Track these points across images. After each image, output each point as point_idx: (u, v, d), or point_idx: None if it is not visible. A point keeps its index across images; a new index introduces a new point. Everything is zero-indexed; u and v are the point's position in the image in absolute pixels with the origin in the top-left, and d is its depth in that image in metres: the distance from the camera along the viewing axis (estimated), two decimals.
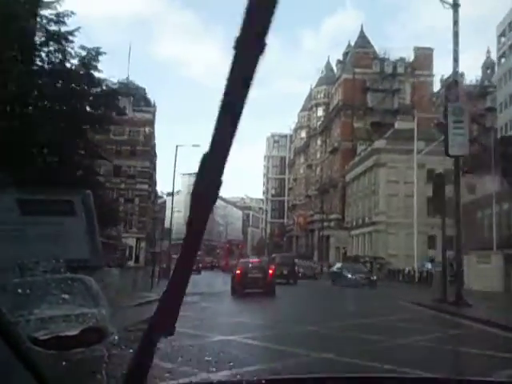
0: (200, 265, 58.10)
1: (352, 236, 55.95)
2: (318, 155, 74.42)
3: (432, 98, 63.11)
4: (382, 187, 48.30)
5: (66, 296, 1.57)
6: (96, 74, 17.37)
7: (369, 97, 62.97)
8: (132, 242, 59.24)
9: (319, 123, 74.58)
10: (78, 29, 15.55)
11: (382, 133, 53.33)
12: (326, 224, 57.79)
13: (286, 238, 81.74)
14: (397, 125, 51.80)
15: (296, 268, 34.15)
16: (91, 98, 17.23)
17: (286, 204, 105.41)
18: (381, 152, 48.51)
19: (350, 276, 27.65)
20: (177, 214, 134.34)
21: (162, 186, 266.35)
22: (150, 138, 61.41)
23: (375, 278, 29.11)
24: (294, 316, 11.60)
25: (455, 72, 11.89)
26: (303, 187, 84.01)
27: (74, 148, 17.13)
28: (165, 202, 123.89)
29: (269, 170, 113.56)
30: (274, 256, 34.68)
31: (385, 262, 42.91)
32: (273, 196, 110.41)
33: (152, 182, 66.38)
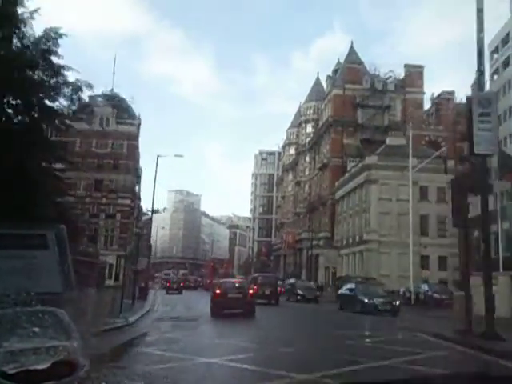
0: (181, 284, 55.46)
1: (342, 255, 53.75)
2: (307, 172, 72.59)
3: (422, 116, 61.86)
4: (373, 204, 46.37)
5: (37, 329, 1.49)
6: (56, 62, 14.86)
7: (359, 113, 61.53)
8: (112, 259, 56.26)
9: (308, 140, 72.94)
10: (37, 10, 13.31)
11: (373, 150, 51.57)
12: (315, 243, 55.53)
13: (273, 257, 79.25)
14: (388, 141, 50.22)
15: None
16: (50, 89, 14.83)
17: (273, 222, 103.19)
18: (372, 168, 46.70)
19: (366, 300, 23.16)
20: (162, 231, 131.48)
21: (148, 202, 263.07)
22: (133, 151, 59.04)
23: (398, 303, 23.86)
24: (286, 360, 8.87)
25: (480, 61, 9.89)
26: (291, 205, 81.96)
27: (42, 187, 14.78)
28: (150, 218, 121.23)
29: (256, 187, 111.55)
30: (256, 276, 33.40)
31: (377, 283, 40.62)
32: (260, 214, 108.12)
33: (135, 196, 63.77)
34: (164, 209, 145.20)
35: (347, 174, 54.52)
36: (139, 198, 77.59)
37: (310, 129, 73.90)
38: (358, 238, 48.64)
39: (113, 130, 58.61)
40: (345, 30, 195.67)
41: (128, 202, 58.41)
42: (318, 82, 75.13)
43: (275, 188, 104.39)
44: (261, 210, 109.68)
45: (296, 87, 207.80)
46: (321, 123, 67.75)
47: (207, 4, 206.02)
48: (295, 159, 79.44)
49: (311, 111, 73.79)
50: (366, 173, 47.26)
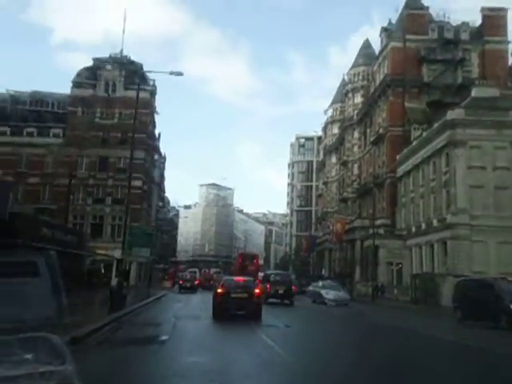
0: (196, 282, 43.91)
1: (409, 247, 40.55)
2: (356, 150, 59.48)
3: (507, 70, 47.84)
4: (460, 175, 33.06)
5: (29, 355, 1.48)
6: None
7: (424, 70, 48.11)
8: (120, 253, 44.86)
9: (356, 112, 59.83)
10: None
11: (443, 114, 38.25)
12: (371, 232, 42.63)
13: (315, 253, 66.44)
14: (475, 92, 36.70)
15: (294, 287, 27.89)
16: None
17: (313, 215, 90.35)
18: (458, 125, 33.43)
19: None
20: (194, 228, 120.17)
21: (179, 197, 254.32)
22: (146, 122, 47.61)
23: None
24: None
25: None
26: (336, 191, 69.00)
27: None
28: (177, 212, 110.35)
29: (294, 177, 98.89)
30: (269, 273, 30.34)
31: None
32: (298, 206, 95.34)
33: (149, 179, 52.35)
34: (195, 203, 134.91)
35: (414, 142, 41.29)
36: (159, 185, 66.40)
37: (358, 99, 60.76)
38: (435, 222, 35.40)
39: (120, 97, 47.42)
40: (384, 21, 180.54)
41: (139, 183, 46.93)
42: (367, 45, 61.93)
43: (314, 176, 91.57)
44: (299, 202, 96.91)
45: (333, 84, 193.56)
46: (373, 88, 54.60)
47: (243, 2, 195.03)
48: (340, 138, 66.45)
49: (359, 77, 60.70)
50: (448, 133, 33.99)
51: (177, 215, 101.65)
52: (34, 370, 1.51)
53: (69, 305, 14.37)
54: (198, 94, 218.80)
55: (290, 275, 34.24)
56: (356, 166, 59.03)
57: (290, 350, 7.98)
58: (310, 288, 36.17)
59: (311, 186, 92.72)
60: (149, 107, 48.06)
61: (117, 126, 46.64)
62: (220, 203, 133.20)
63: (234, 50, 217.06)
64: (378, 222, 45.04)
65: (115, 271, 45.67)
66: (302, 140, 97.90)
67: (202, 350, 8.14)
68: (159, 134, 64.60)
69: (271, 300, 24.39)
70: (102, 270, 48.05)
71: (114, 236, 45.24)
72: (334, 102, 73.63)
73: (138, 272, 48.84)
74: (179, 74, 20.56)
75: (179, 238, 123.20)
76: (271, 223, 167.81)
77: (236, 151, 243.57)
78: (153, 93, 50.16)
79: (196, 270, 66.30)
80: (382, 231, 42.80)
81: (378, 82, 52.04)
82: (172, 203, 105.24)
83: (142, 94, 47.52)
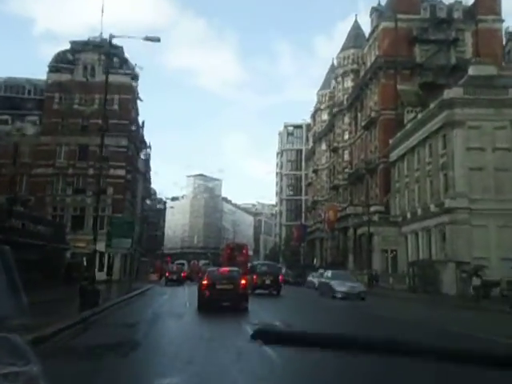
0: (182, 274, 41.95)
1: (405, 234, 38.98)
2: (346, 136, 57.70)
3: (501, 50, 46.31)
4: (458, 157, 31.42)
5: None
6: None
7: (417, 50, 46.35)
8: (103, 245, 42.71)
9: (346, 96, 57.96)
10: None
11: (436, 96, 36.54)
12: (366, 219, 40.96)
13: (306, 243, 64.78)
14: (472, 70, 35.00)
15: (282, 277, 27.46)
16: None
17: (303, 204, 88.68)
18: (456, 105, 31.70)
19: None
20: (182, 220, 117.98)
21: (166, 189, 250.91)
22: (127, 108, 45.22)
23: None
24: None
25: None
26: (326, 179, 67.30)
27: None
28: (164, 204, 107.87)
29: (283, 166, 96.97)
30: (255, 264, 29.61)
31: (477, 267, 25.86)
32: (288, 196, 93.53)
33: (133, 167, 50.04)
34: (183, 195, 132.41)
35: (409, 125, 39.57)
36: (144, 175, 64.09)
37: (348, 83, 58.83)
38: (433, 207, 33.78)
39: (100, 82, 44.85)
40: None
41: (122, 172, 44.71)
42: (356, 26, 59.96)
43: (304, 165, 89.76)
44: (288, 191, 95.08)
45: (320, 73, 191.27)
46: (363, 72, 52.75)
47: None
48: (329, 124, 64.63)
49: (349, 61, 58.69)
50: (445, 113, 32.27)
51: (164, 207, 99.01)
52: None
53: (38, 302, 12.04)
54: (184, 85, 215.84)
55: (277, 265, 32.91)
56: (347, 152, 57.30)
57: (298, 365, 5.98)
58: (312, 279, 34.33)
59: (300, 175, 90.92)
60: (130, 92, 45.66)
61: (97, 113, 44.02)
62: (208, 194, 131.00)
63: (220, 40, 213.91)
64: (372, 209, 43.36)
65: (98, 265, 43.66)
66: (291, 128, 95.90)
67: (179, 363, 6.23)
68: (143, 122, 62.09)
69: (259, 291, 23.93)
70: (84, 264, 45.90)
71: (96, 228, 42.89)
72: (322, 88, 71.71)
73: (122, 265, 46.70)
74: (156, 39, 18.44)
75: (167, 230, 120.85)
76: (260, 214, 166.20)
77: (223, 142, 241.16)
78: (135, 77, 47.70)
79: (184, 261, 64.36)
80: (376, 218, 41.09)
81: (368, 65, 50.17)
82: (159, 195, 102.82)
83: (123, 79, 45.36)
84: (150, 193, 77.33)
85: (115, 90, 44.40)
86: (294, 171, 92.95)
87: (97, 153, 44.58)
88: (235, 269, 18.23)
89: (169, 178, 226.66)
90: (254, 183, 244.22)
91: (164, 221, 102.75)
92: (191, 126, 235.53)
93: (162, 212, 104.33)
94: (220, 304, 14.92)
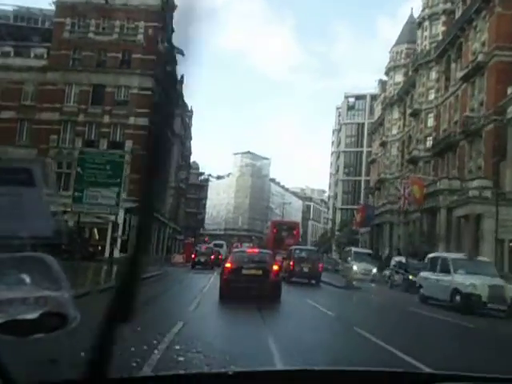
0: (211, 257, 31.51)
1: None
2: (432, 96, 44.83)
3: None
4: None
5: (25, 276, 1.35)
6: None
7: None
8: (119, 215, 32.71)
9: (434, 45, 44.96)
10: None
11: None
12: (472, 194, 28.68)
13: (370, 228, 52.61)
14: None
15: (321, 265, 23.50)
16: None
17: (362, 184, 76.30)
18: None
19: None
20: (227, 199, 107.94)
21: (212, 169, 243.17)
22: (154, 38, 34.62)
23: None
24: None
25: None
26: (397, 153, 54.74)
27: None
28: (207, 181, 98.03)
29: (340, 143, 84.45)
30: (293, 249, 24.11)
31: None
32: (345, 175, 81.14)
33: (162, 118, 39.59)
34: (229, 174, 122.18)
35: None
36: (180, 138, 53.84)
37: (438, 28, 45.78)
38: None
39: (121, 4, 34.52)
40: None
41: (145, 122, 34.32)
42: None
43: (366, 141, 77.07)
44: (346, 171, 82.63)
45: (383, 57, 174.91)
46: (460, 11, 39.64)
47: None
48: (407, 84, 51.83)
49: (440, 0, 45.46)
50: None
51: (206, 183, 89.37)
52: (28, 294, 1.30)
53: None
54: (238, 65, 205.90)
55: (317, 251, 29.09)
56: (431, 115, 44.53)
57: None
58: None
59: (361, 152, 78.30)
60: (160, 20, 34.94)
61: (116, 44, 33.94)
62: (255, 173, 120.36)
63: (278, 21, 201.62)
64: (475, 184, 30.98)
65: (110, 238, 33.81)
66: (352, 100, 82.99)
67: None
68: (182, 76, 51.65)
69: (295, 279, 21.27)
70: (96, 236, 36.22)
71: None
72: (398, 43, 58.59)
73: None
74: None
75: (211, 209, 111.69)
76: (309, 199, 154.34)
77: (274, 125, 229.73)
78: (167, 4, 37.01)
79: (223, 242, 54.02)
80: (488, 194, 28.63)
81: None
82: (202, 170, 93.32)
83: (149, 1, 34.87)
84: (188, 164, 67.41)
85: (140, 16, 34.05)
86: (354, 148, 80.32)
87: (114, 95, 34.65)
88: (266, 251, 15.99)
89: (216, 159, 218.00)
90: (303, 168, 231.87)
91: (206, 198, 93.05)
92: (242, 107, 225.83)
93: (205, 189, 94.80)
94: (246, 294, 11.41)
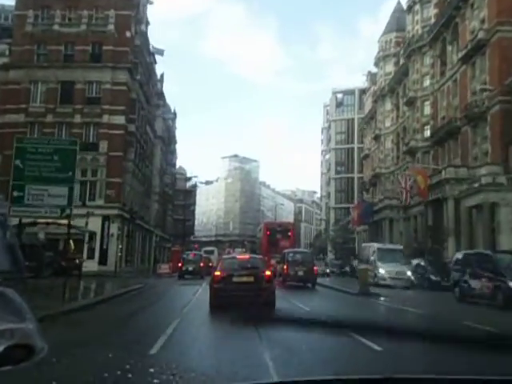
0: (201, 265, 28.25)
1: None
2: (427, 82, 42.23)
3: None
4: None
5: None
6: None
7: None
8: (95, 223, 29.47)
9: (427, 29, 42.41)
10: None
11: None
12: (485, 181, 25.90)
13: (368, 225, 49.72)
14: None
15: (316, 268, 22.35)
16: None
17: (355, 182, 73.61)
18: None
19: None
20: (216, 204, 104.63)
21: (200, 174, 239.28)
22: (127, 28, 31.39)
23: None
24: None
25: None
26: (391, 146, 52.11)
27: None
28: (195, 187, 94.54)
29: (330, 140, 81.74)
30: (287, 252, 23.50)
31: None
32: (337, 173, 78.38)
33: (142, 119, 36.50)
34: (217, 178, 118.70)
35: None
36: (163, 140, 50.67)
37: (430, 11, 43.28)
38: None
39: None
40: None
41: (121, 120, 31.12)
42: None
43: (356, 136, 74.50)
44: (337, 169, 79.86)
45: (365, 57, 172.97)
46: None
47: None
48: (399, 73, 49.25)
49: None
50: None
51: (194, 188, 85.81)
52: None
53: None
54: (222, 71, 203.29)
55: (310, 254, 27.71)
56: (428, 103, 41.90)
57: None
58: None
59: (352, 148, 75.66)
60: (132, 8, 31.76)
61: (85, 36, 30.67)
62: (244, 177, 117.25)
63: (259, 25, 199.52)
64: (483, 171, 28.23)
65: (87, 249, 30.44)
66: (340, 95, 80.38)
67: None
68: (162, 75, 48.68)
69: (291, 283, 20.62)
70: (72, 247, 32.59)
71: (84, 198, 29.66)
72: (386, 32, 56.07)
73: (127, 249, 33.48)
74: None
75: (200, 216, 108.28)
76: (300, 200, 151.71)
77: (260, 130, 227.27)
78: None
79: (213, 249, 50.83)
80: (503, 180, 25.87)
81: None
82: (189, 175, 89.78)
83: None
84: (174, 168, 64.13)
85: (110, 4, 30.87)
86: (345, 145, 77.64)
87: (85, 92, 31.35)
88: (257, 256, 15.59)
89: (204, 165, 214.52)
90: (291, 170, 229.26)
91: (195, 204, 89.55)
92: (228, 113, 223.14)
93: (193, 195, 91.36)
94: (237, 302, 10.15)
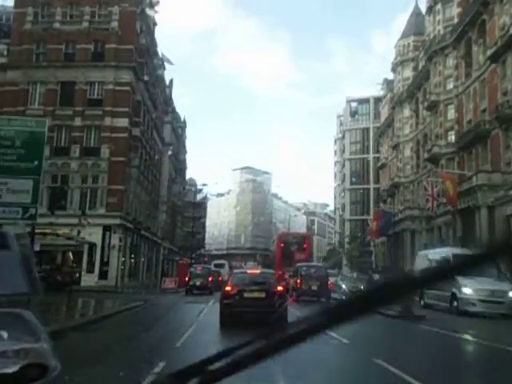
0: (210, 279, 25.68)
1: None
2: (451, 85, 39.52)
3: None
4: None
5: (3, 332, 1.45)
6: None
7: None
8: (96, 234, 27.13)
9: (450, 29, 39.88)
10: None
11: None
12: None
13: (387, 237, 46.70)
14: None
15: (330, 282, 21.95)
16: None
17: (371, 193, 70.66)
18: None
19: None
20: (228, 217, 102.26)
21: (211, 187, 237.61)
22: (131, 26, 29.36)
23: None
24: None
25: None
26: (411, 154, 49.35)
27: None
28: (205, 198, 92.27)
29: (344, 150, 79.04)
30: (299, 266, 22.58)
31: None
32: (352, 184, 75.52)
33: (149, 125, 34.28)
34: (229, 191, 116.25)
35: None
36: (171, 147, 48.47)
37: (453, 10, 40.75)
38: None
39: None
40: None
41: (125, 123, 28.90)
42: None
43: (372, 146, 71.81)
44: (352, 180, 77.01)
45: (378, 70, 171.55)
46: None
47: None
48: (419, 76, 46.69)
49: None
50: None
51: (204, 200, 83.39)
52: (7, 348, 1.39)
53: None
54: (235, 85, 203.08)
55: (324, 268, 26.50)
56: (452, 107, 39.12)
57: None
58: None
59: (367, 159, 72.89)
60: (136, 4, 29.75)
61: (87, 34, 28.67)
62: (256, 189, 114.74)
63: (273, 40, 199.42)
64: None
65: (87, 262, 27.99)
66: (355, 104, 77.96)
67: None
68: (171, 81, 46.77)
69: (304, 298, 19.83)
70: (71, 259, 30.17)
71: (84, 206, 27.34)
72: (403, 37, 53.65)
73: (127, 261, 31.04)
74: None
75: (211, 229, 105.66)
76: (313, 213, 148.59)
77: (273, 144, 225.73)
78: None
79: (224, 262, 48.19)
80: None
81: None
82: (199, 186, 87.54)
83: None
84: (183, 179, 61.92)
85: (114, 0, 28.89)
86: (360, 154, 74.90)
87: (87, 93, 29.25)
88: (269, 270, 15.30)
89: (215, 178, 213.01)
90: (303, 183, 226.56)
91: (205, 216, 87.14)
92: (239, 126, 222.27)
93: (204, 207, 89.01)
94: (248, 318, 10.08)
